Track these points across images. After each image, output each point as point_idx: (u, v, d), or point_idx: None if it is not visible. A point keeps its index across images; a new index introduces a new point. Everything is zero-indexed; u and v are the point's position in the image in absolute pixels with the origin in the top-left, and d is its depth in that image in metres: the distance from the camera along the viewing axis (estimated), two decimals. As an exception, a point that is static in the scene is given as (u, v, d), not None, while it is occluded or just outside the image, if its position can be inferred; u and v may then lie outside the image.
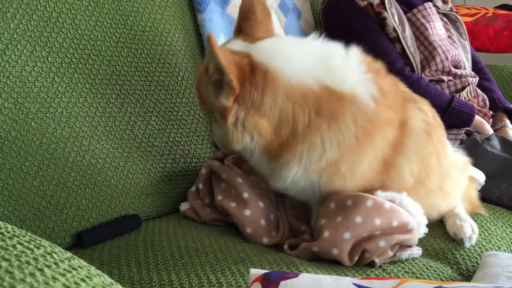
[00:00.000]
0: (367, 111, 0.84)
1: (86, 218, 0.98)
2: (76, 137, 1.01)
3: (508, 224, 1.12)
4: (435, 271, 0.89)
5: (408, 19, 1.54)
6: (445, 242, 1.00)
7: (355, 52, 0.91)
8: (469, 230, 0.98)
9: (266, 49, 0.87)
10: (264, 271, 0.67)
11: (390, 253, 0.86)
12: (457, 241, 0.99)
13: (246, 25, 0.93)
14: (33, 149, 0.94)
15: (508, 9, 2.64)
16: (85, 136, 1.02)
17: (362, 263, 0.86)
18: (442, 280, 0.86)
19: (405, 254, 0.88)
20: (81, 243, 0.95)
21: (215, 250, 0.90)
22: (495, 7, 2.65)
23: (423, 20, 1.53)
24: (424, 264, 0.90)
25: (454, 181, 1.05)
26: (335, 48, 0.91)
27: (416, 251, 0.90)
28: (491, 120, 1.50)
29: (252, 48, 0.87)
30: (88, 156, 1.02)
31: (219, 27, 1.33)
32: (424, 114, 0.97)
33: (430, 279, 0.86)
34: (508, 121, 1.51)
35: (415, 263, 0.90)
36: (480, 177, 1.20)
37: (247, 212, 0.97)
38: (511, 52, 2.25)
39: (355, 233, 0.83)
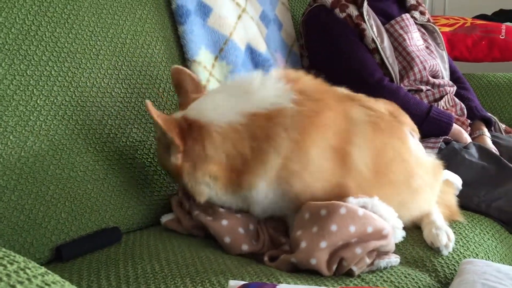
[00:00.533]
0: (291, 114, 0.91)
1: (65, 231, 0.97)
2: (55, 150, 1.00)
3: (486, 231, 1.14)
4: (413, 279, 0.90)
5: (387, 30, 1.56)
6: (423, 250, 1.01)
7: (273, 72, 1.00)
8: (445, 239, 1.00)
9: (195, 108, 0.98)
10: (243, 282, 0.67)
11: (368, 261, 0.86)
12: (435, 250, 1.00)
13: (183, 98, 1.06)
14: (11, 163, 0.93)
15: (486, 19, 2.70)
16: (65, 149, 1.02)
17: (341, 272, 0.86)
18: (420, 288, 0.87)
19: (383, 262, 0.89)
20: (60, 257, 0.94)
21: (196, 262, 0.90)
22: (473, 17, 2.70)
23: (401, 31, 1.56)
24: (402, 273, 0.91)
25: (422, 179, 1.05)
26: (253, 76, 0.99)
27: (394, 259, 0.91)
28: (469, 128, 1.52)
29: (185, 111, 0.98)
30: (67, 169, 1.01)
31: (200, 39, 1.34)
32: (367, 109, 1.01)
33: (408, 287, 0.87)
34: (485, 130, 1.54)
35: (394, 271, 0.91)
36: (457, 181, 1.22)
37: (224, 222, 0.98)
38: (489, 61, 2.29)
39: (331, 241, 0.84)
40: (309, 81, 1.00)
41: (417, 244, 1.03)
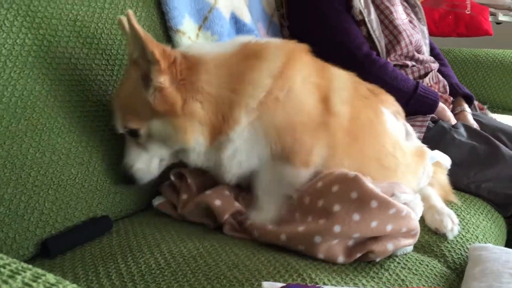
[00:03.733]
0: (279, 45, 0.99)
1: (50, 223, 0.87)
2: (34, 131, 0.88)
3: (480, 212, 1.15)
4: (427, 265, 0.88)
5: (373, 2, 1.51)
6: (428, 234, 1.00)
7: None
8: (450, 223, 0.98)
9: (193, 46, 1.02)
10: (279, 284, 0.61)
11: (390, 252, 0.83)
12: (440, 235, 0.98)
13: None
14: (-15, 147, 0.81)
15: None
16: (44, 129, 0.90)
17: (363, 260, 0.83)
18: (439, 277, 0.85)
19: (399, 251, 0.87)
20: (47, 252, 0.84)
21: (203, 253, 0.83)
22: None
23: (387, 4, 1.52)
24: (416, 259, 0.89)
25: (397, 160, 1.04)
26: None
27: (409, 247, 0.89)
28: (451, 106, 1.52)
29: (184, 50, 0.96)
30: (48, 153, 0.89)
31: (183, 6, 1.22)
32: (348, 75, 1.06)
33: (425, 275, 0.85)
34: (466, 106, 1.54)
35: (408, 257, 0.88)
36: (445, 160, 1.21)
37: (208, 192, 0.97)
38: (455, 36, 2.32)
39: (364, 234, 0.79)
40: None
41: (420, 228, 1.00)
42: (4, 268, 0.39)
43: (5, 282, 0.37)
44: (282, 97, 0.91)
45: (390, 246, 0.80)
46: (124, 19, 0.92)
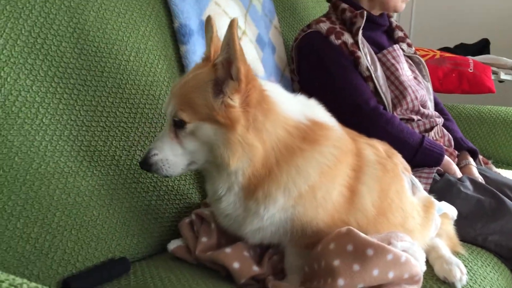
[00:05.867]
0: (340, 136, 0.96)
1: (72, 262, 0.90)
2: (61, 173, 0.93)
3: (487, 264, 1.16)
4: (436, 314, 0.90)
5: (379, 59, 1.59)
6: (436, 283, 1.01)
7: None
8: (458, 273, 1.00)
9: (273, 86, 0.95)
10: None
11: (397, 301, 0.85)
12: (449, 284, 1.00)
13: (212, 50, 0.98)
14: (16, 187, 0.86)
15: (449, 52, 2.83)
16: (70, 172, 0.95)
17: (369, 309, 0.85)
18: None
19: (408, 300, 0.89)
20: (67, 290, 0.87)
21: (217, 297, 0.85)
22: (439, 49, 2.83)
23: (393, 61, 1.59)
24: (425, 308, 0.91)
25: (415, 220, 1.06)
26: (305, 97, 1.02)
27: (418, 296, 0.91)
28: (456, 159, 1.57)
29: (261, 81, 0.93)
30: (73, 194, 0.94)
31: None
32: (375, 149, 1.04)
33: (434, 323, 0.87)
34: (471, 159, 1.59)
35: (417, 307, 0.90)
36: (452, 211, 1.24)
37: (228, 250, 0.97)
38: (459, 93, 2.39)
39: (369, 284, 0.82)
40: None
41: (429, 277, 1.03)
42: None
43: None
44: (320, 198, 0.90)
45: (393, 294, 0.83)
46: (214, 18, 0.96)
